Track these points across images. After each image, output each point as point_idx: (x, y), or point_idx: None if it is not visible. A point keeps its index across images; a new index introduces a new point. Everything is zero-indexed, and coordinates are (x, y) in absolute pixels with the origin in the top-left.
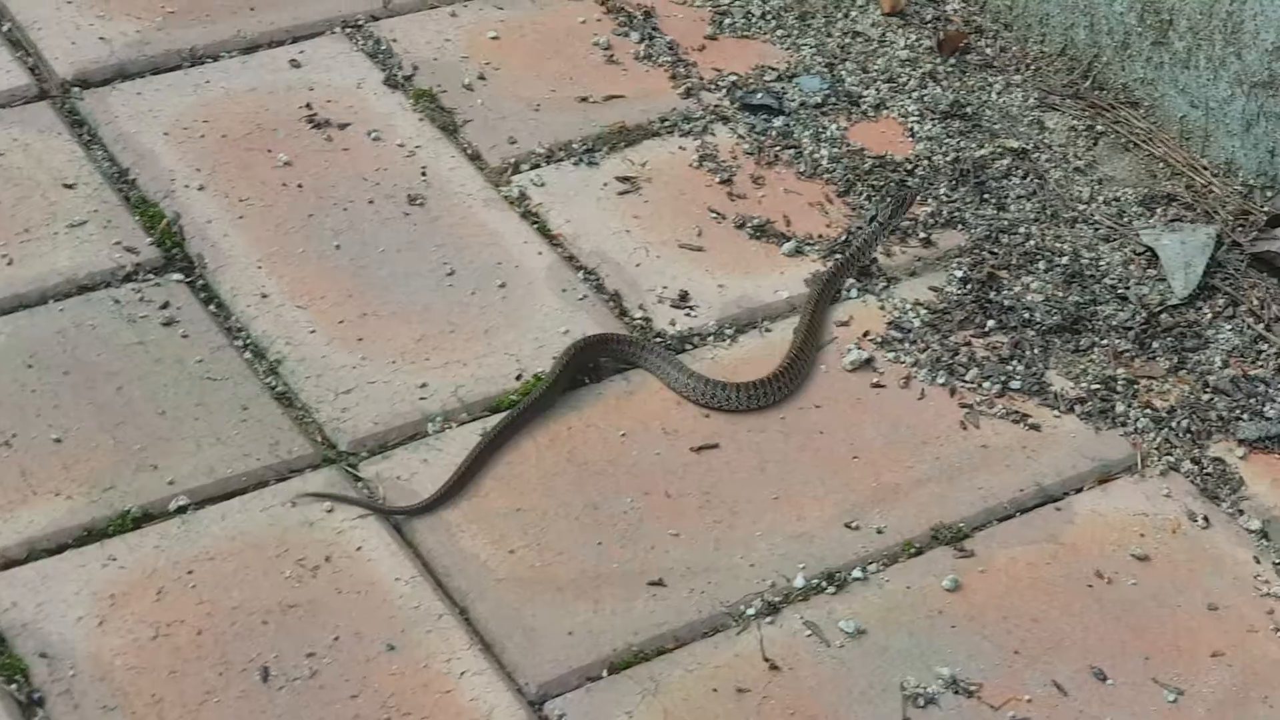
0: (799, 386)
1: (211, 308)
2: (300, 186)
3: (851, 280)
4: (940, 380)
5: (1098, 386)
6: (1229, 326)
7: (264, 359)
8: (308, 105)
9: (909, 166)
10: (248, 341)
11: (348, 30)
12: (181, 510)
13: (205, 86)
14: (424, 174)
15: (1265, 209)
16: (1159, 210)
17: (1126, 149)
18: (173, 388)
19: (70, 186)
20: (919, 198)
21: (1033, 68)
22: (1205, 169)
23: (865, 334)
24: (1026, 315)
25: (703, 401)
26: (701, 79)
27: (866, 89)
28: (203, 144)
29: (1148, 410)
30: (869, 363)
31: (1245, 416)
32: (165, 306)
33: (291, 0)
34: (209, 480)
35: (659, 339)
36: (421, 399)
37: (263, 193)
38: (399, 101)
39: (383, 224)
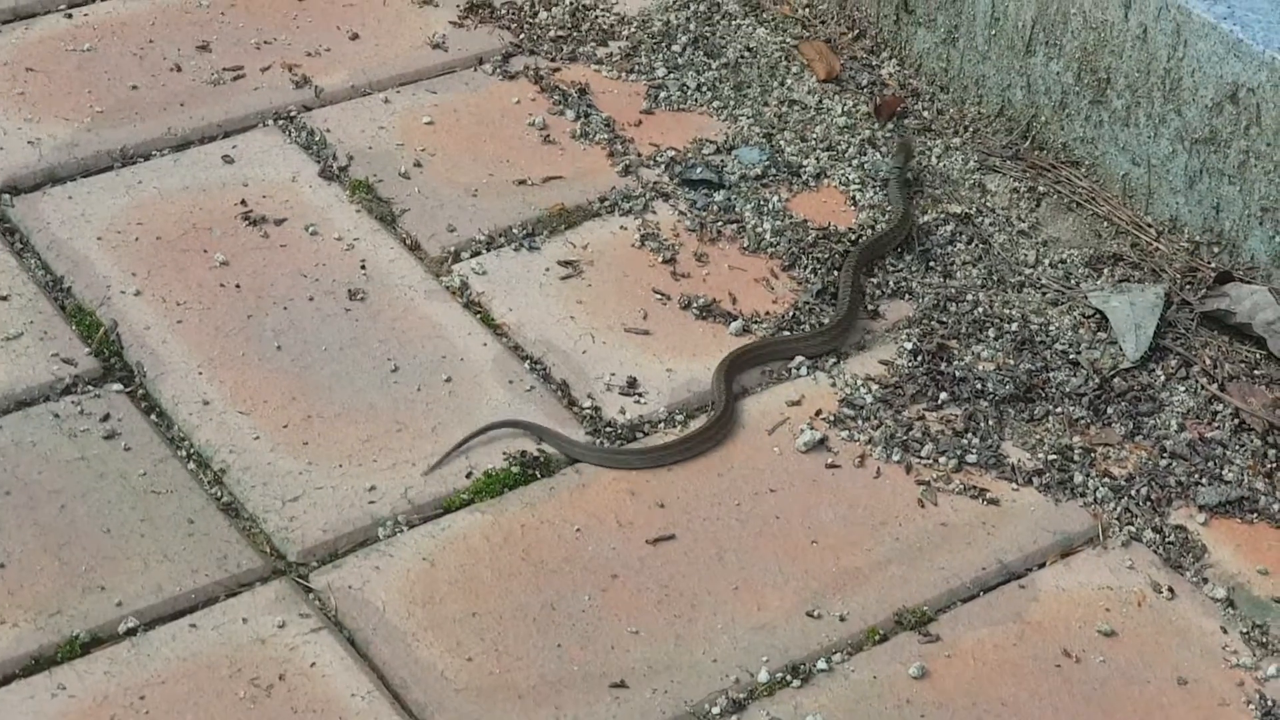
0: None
1: (153, 417)
2: (238, 286)
3: (800, 359)
4: (896, 457)
5: (1055, 456)
6: (1183, 388)
7: (208, 469)
8: (243, 202)
9: (853, 236)
10: (191, 451)
11: (280, 122)
12: (131, 632)
13: (138, 187)
14: (364, 267)
15: (1213, 265)
16: (1106, 271)
17: (1070, 209)
18: (117, 504)
19: (4, 298)
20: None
21: (971, 129)
22: (1150, 227)
23: (817, 413)
24: (979, 386)
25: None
26: (640, 155)
27: (806, 158)
28: (137, 247)
29: (1106, 479)
30: (823, 443)
31: (1204, 481)
32: (106, 419)
33: (222, 94)
34: (158, 599)
35: (609, 428)
36: (370, 503)
37: (200, 295)
38: (335, 193)
39: (324, 321)
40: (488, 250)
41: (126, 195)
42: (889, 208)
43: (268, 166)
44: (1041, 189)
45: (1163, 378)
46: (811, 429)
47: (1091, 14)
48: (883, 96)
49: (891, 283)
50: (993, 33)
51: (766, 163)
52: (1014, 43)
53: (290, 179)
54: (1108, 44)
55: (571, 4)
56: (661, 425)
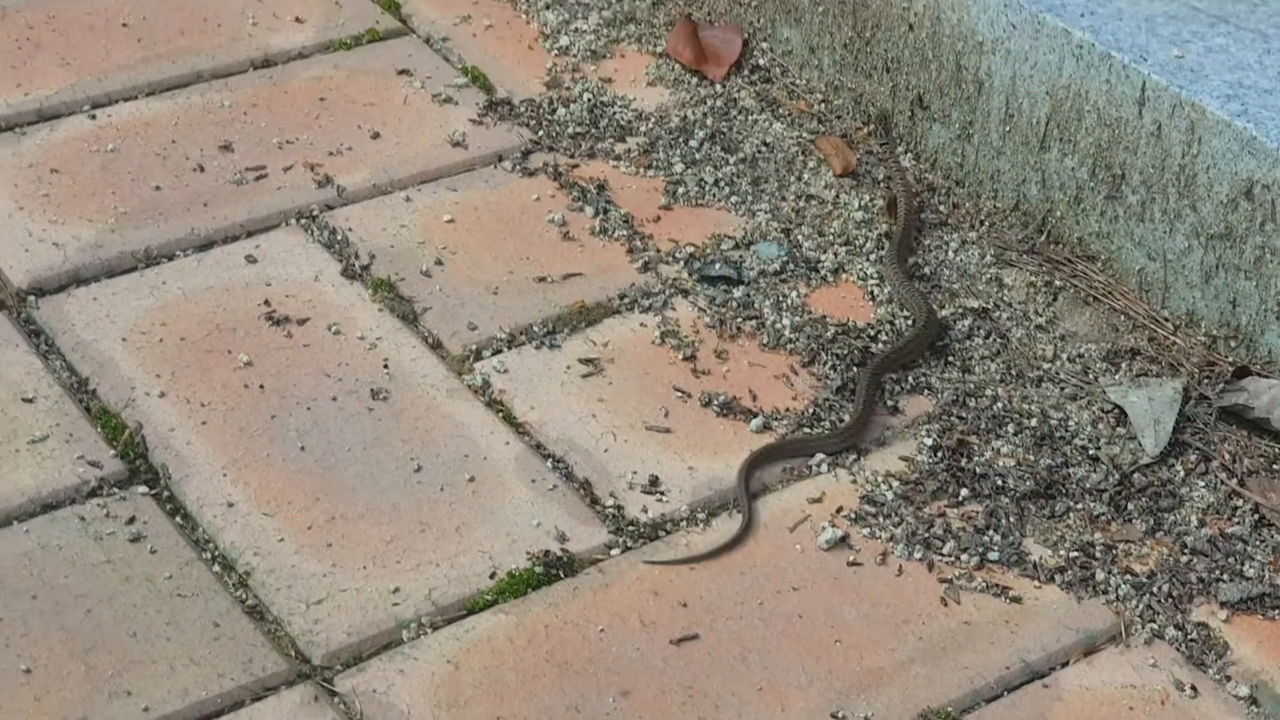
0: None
1: (178, 519)
2: (262, 387)
3: (821, 455)
4: (918, 555)
5: (1076, 554)
6: (1202, 483)
7: (233, 571)
8: (266, 301)
9: (871, 332)
10: (216, 554)
11: (303, 221)
12: None
13: (162, 288)
14: (386, 366)
15: (1230, 360)
16: (1124, 365)
17: (1087, 303)
18: (143, 607)
19: (30, 401)
20: None
21: (987, 223)
22: (1167, 321)
23: (839, 510)
24: (999, 482)
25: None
26: (659, 251)
27: (824, 253)
28: (162, 348)
29: (1128, 576)
30: (845, 540)
31: (1225, 577)
32: (131, 521)
33: (245, 193)
34: (184, 704)
35: (631, 527)
36: (395, 604)
37: (224, 396)
38: (358, 292)
39: (347, 421)
40: (509, 348)
41: (151, 296)
42: (903, 305)
43: (290, 266)
44: (1058, 283)
45: (1182, 473)
46: (833, 526)
47: (1105, 111)
48: (883, 196)
49: (911, 378)
50: (1007, 129)
51: (785, 258)
52: (1028, 138)
53: (313, 278)
54: (1122, 140)
55: (589, 100)
56: (684, 524)
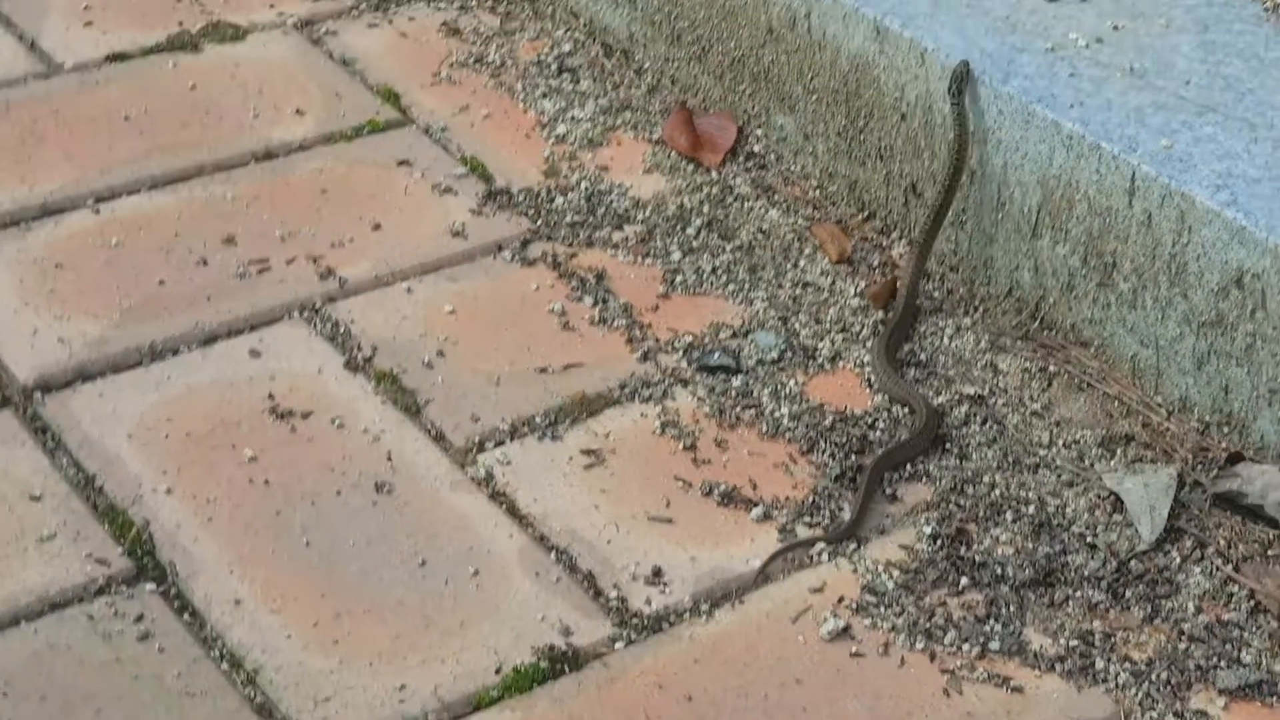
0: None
1: (186, 617)
2: (267, 482)
3: (821, 545)
4: (919, 645)
5: (1076, 642)
6: (1198, 570)
7: (241, 669)
8: (270, 395)
9: (869, 420)
10: (224, 651)
11: (306, 314)
12: None
13: (167, 383)
14: (389, 460)
15: (1224, 446)
16: (1119, 451)
17: (1081, 389)
18: (152, 706)
19: (37, 498)
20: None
21: (981, 309)
22: (1160, 407)
23: (840, 600)
24: (999, 570)
25: None
26: (658, 340)
27: (821, 340)
28: (167, 444)
29: (1127, 663)
30: (846, 631)
31: (1223, 664)
32: (140, 619)
33: (248, 287)
34: None
35: (635, 619)
36: (401, 701)
37: (230, 492)
38: (360, 385)
39: (351, 516)
40: (511, 440)
41: (156, 392)
42: (897, 401)
43: (294, 359)
44: (1052, 369)
45: (1178, 559)
46: (835, 617)
47: (1096, 200)
48: (872, 283)
49: (909, 466)
50: (999, 216)
51: (783, 346)
52: (1020, 226)
53: (316, 371)
54: (1113, 229)
55: (587, 189)
56: (687, 615)
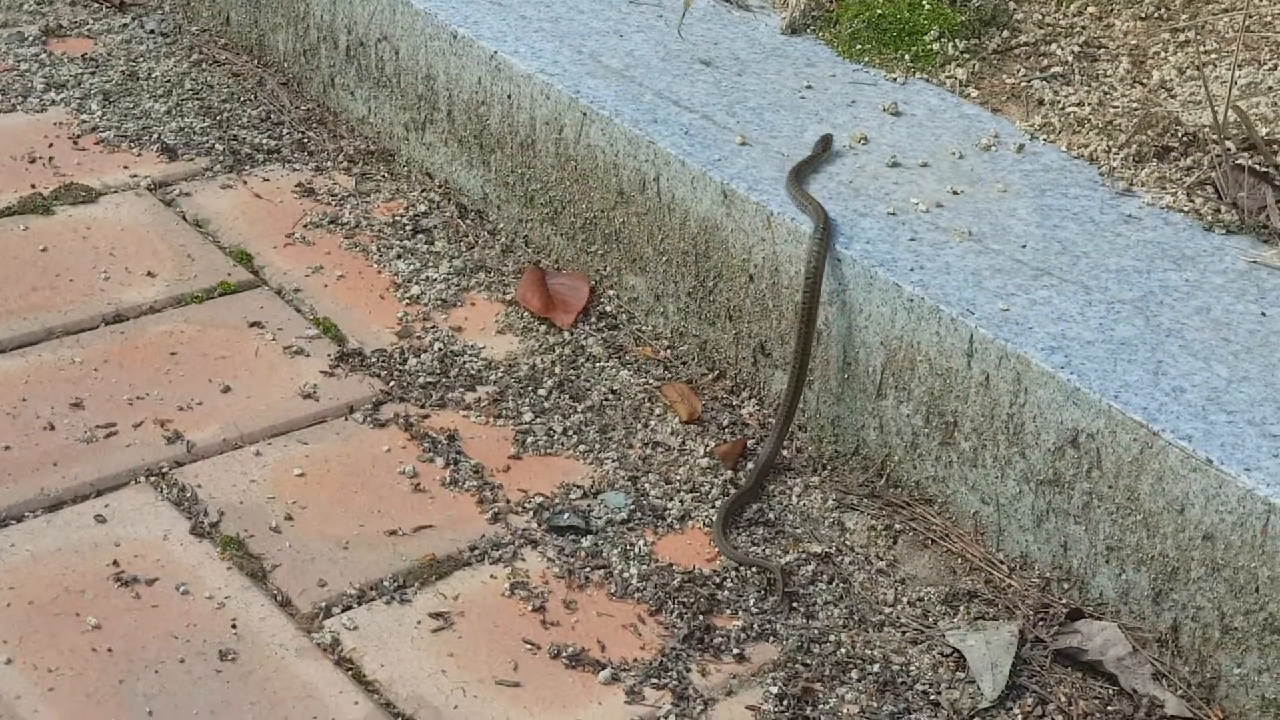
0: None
1: None
2: (110, 650)
3: (668, 707)
4: None
5: None
6: None
7: None
8: (115, 562)
9: (718, 579)
10: None
11: (152, 479)
12: None
13: (10, 550)
14: (234, 626)
15: (1064, 601)
16: (962, 608)
17: (926, 546)
18: None
19: None
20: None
21: (829, 468)
22: (1002, 564)
23: None
24: None
25: None
26: (509, 501)
27: (670, 501)
28: (9, 613)
29: None
30: None
31: None
32: None
33: (95, 452)
34: None
35: None
36: None
37: (72, 661)
38: (206, 550)
39: (195, 685)
40: (359, 604)
41: None
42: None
43: (140, 525)
44: (898, 526)
45: (1020, 716)
46: None
47: (937, 361)
48: (720, 443)
49: (756, 625)
50: (845, 376)
51: (632, 506)
52: (866, 386)
53: (162, 537)
54: (953, 389)
55: (440, 350)
56: None
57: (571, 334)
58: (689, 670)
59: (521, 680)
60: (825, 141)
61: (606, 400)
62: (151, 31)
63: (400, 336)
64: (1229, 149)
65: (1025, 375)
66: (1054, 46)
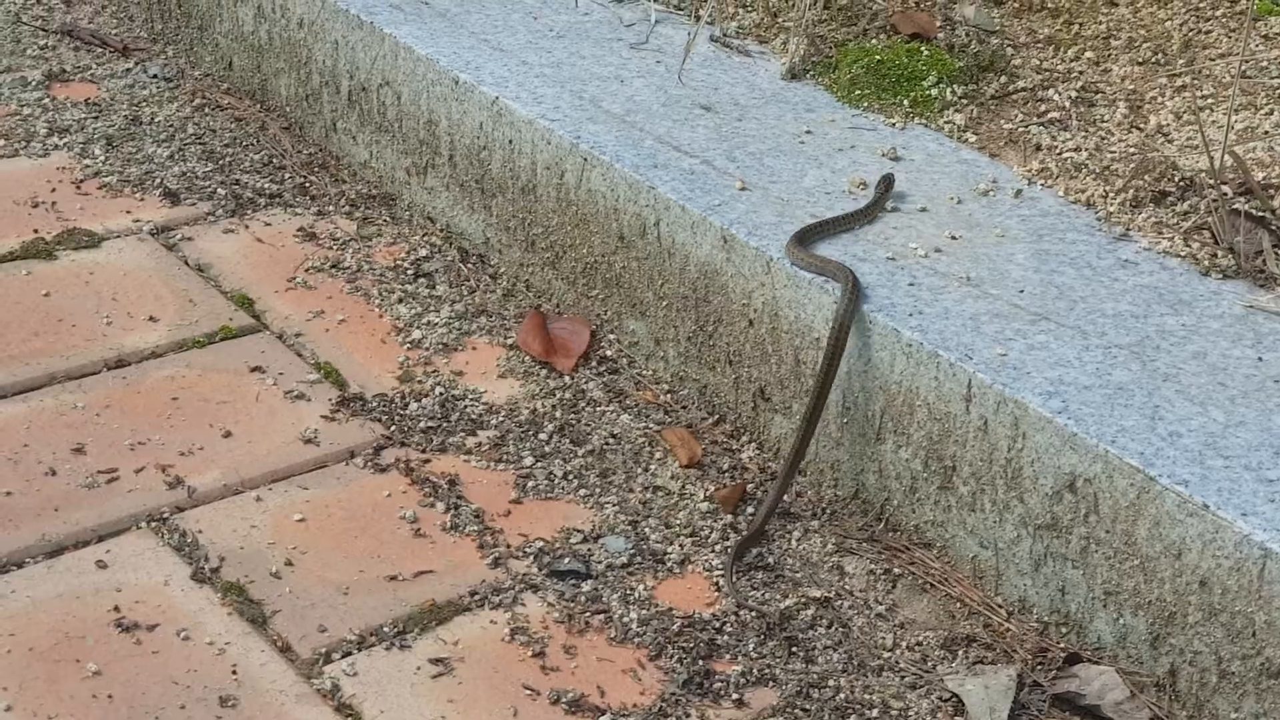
0: None
1: None
2: (110, 697)
3: None
4: None
5: None
6: None
7: None
8: (116, 608)
9: (717, 624)
10: None
11: (153, 524)
12: None
13: (10, 597)
14: (234, 672)
15: (1062, 646)
16: (960, 652)
17: (924, 590)
18: None
19: None
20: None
21: (829, 512)
22: (1000, 608)
23: None
24: None
25: None
26: (509, 546)
27: (670, 545)
28: (9, 660)
29: None
30: None
31: None
32: None
33: (96, 497)
34: None
35: None
36: None
37: (73, 707)
38: (207, 596)
39: None
40: (359, 650)
41: None
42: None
43: (140, 571)
44: (897, 570)
45: None
46: None
47: (935, 406)
48: (720, 488)
49: (756, 670)
50: (845, 420)
51: (632, 551)
52: (865, 430)
53: (163, 583)
54: (952, 434)
55: (441, 394)
56: None
57: (572, 378)
58: (688, 715)
59: None
60: (887, 182)
61: (607, 444)
62: (154, 76)
63: (401, 381)
64: (1225, 194)
65: (1023, 420)
66: (1051, 92)
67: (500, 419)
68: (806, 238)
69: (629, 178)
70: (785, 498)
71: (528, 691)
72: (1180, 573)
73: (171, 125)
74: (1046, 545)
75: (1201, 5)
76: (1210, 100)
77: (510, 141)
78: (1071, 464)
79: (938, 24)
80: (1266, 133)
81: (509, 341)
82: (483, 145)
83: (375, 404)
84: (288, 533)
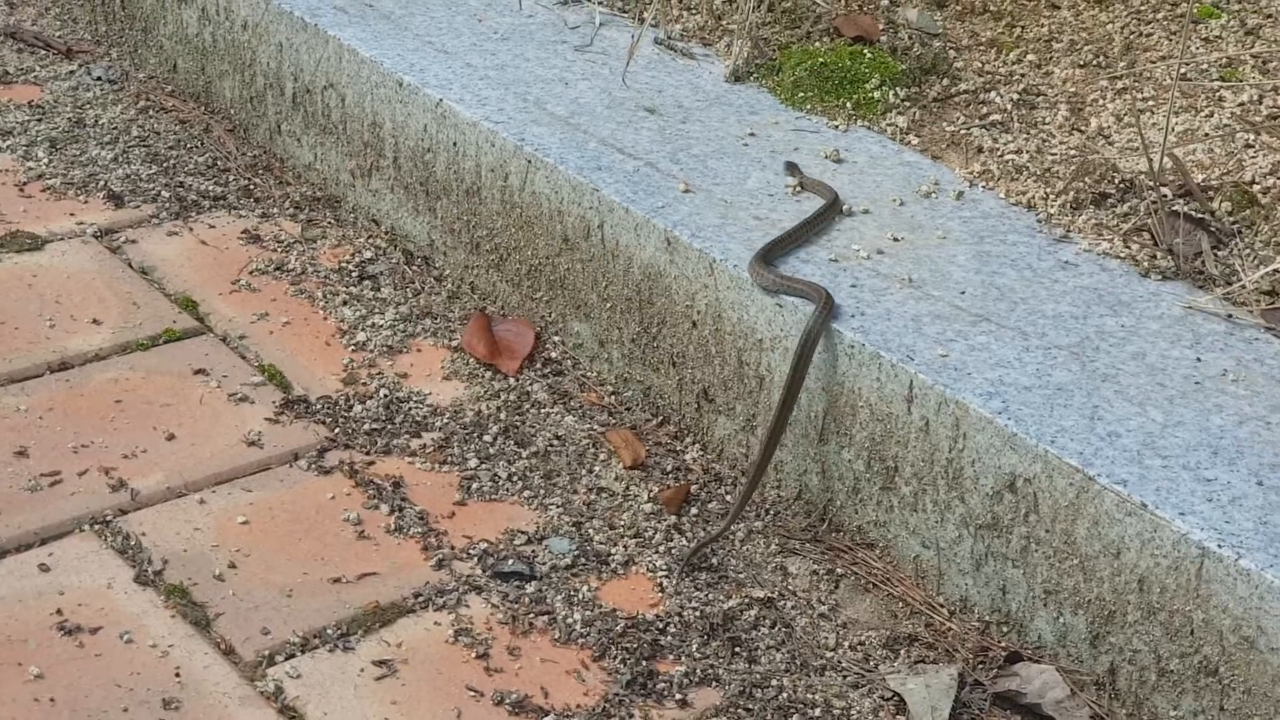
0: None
1: None
2: (53, 700)
3: None
4: None
5: None
6: None
7: None
8: (58, 611)
9: (660, 625)
10: None
11: (96, 527)
12: None
13: None
14: (178, 675)
15: (1003, 644)
16: (903, 652)
17: (867, 590)
18: None
19: None
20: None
21: (772, 513)
22: (942, 607)
23: None
24: None
25: None
26: (453, 548)
27: (614, 546)
28: None
29: None
30: None
31: None
32: None
33: (39, 500)
34: None
35: None
36: None
37: (14, 711)
38: (150, 599)
39: None
40: (302, 652)
41: None
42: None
43: (84, 574)
44: (840, 570)
45: None
46: None
47: (877, 407)
48: (664, 488)
49: (699, 671)
50: (788, 421)
51: (576, 552)
52: (808, 431)
53: (106, 586)
54: (894, 435)
55: (385, 396)
56: None
57: (517, 380)
58: (632, 716)
59: None
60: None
61: (551, 446)
62: (98, 79)
63: (345, 383)
64: (1165, 195)
65: (964, 420)
66: (993, 94)
67: (445, 421)
68: (772, 255)
69: (573, 180)
70: (727, 498)
71: (471, 693)
72: (1119, 572)
73: (116, 128)
74: (987, 545)
75: (1142, 8)
76: (1151, 103)
77: (454, 144)
78: (1012, 464)
79: (880, 27)
80: (1206, 135)
81: (454, 344)
82: (427, 148)
83: (319, 406)
84: (231, 535)
